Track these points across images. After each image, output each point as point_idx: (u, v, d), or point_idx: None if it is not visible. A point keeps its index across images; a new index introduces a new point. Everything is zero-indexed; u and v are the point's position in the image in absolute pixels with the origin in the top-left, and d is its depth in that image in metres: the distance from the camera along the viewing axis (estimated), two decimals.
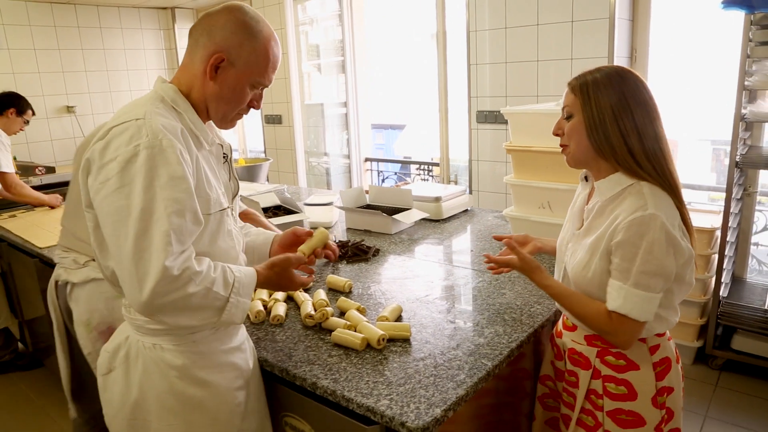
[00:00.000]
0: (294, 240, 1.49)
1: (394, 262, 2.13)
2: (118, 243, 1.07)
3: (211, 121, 1.30)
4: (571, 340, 1.43)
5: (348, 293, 1.83)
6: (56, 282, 2.02)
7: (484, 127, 3.64)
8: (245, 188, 3.12)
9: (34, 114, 3.60)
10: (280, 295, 1.77)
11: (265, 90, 1.32)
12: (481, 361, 1.35)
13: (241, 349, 1.35)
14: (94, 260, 1.96)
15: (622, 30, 3.06)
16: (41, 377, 3.31)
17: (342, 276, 1.95)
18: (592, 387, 1.37)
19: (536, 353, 1.64)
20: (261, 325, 1.63)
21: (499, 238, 1.62)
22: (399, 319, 1.61)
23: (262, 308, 1.67)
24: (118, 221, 1.07)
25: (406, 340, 1.47)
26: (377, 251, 2.24)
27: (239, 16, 1.21)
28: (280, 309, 1.66)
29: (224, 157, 1.35)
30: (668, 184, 1.26)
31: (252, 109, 1.31)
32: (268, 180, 5.33)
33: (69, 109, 5.20)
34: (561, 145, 1.35)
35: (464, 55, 3.61)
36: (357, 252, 2.21)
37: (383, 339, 1.44)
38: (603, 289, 1.28)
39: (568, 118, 1.31)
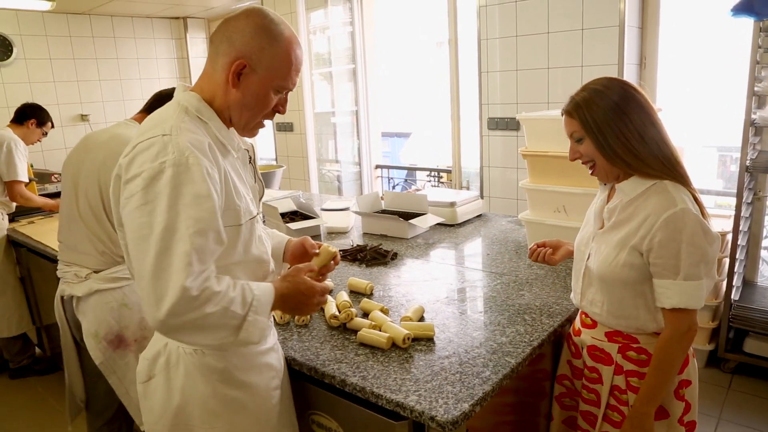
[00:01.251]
0: (304, 252, 1.49)
1: (412, 266, 2.17)
2: (138, 259, 1.06)
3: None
4: (591, 337, 1.47)
5: (370, 295, 1.87)
6: (62, 297, 2.06)
7: (495, 134, 3.68)
8: None
9: (53, 126, 3.63)
10: None
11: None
12: (504, 359, 1.39)
13: (275, 349, 1.39)
14: (95, 272, 2.00)
15: (631, 37, 3.11)
16: (59, 381, 3.35)
17: (362, 279, 2.00)
18: (615, 383, 1.41)
19: (556, 354, 1.68)
20: (286, 326, 1.67)
21: (539, 244, 1.67)
22: (422, 319, 1.65)
23: None
24: (140, 238, 1.05)
25: (430, 340, 1.51)
26: (395, 255, 2.28)
27: (258, 21, 1.18)
28: None
29: (249, 159, 1.36)
30: (684, 179, 1.32)
31: (277, 114, 1.29)
32: (278, 187, 5.39)
33: (83, 118, 5.28)
34: (584, 163, 1.39)
35: (475, 62, 3.66)
36: (376, 256, 2.25)
37: (408, 338, 1.48)
38: (628, 284, 1.34)
39: (579, 141, 1.36)
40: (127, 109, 5.49)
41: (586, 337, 1.49)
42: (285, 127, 5.21)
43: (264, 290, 1.20)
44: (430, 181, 5.15)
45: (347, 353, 1.47)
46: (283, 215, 2.77)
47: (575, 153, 1.39)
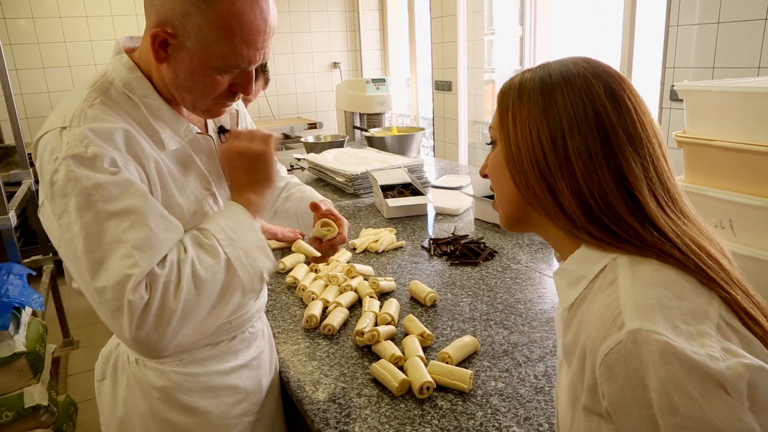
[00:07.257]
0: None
1: (508, 273, 1.71)
2: (81, 280, 0.83)
3: None
4: None
5: (430, 307, 1.50)
6: None
7: (680, 107, 2.89)
8: (380, 160, 2.88)
9: None
10: (345, 299, 1.50)
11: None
12: None
13: (251, 366, 1.13)
14: None
15: None
16: None
17: (438, 281, 1.63)
18: None
19: None
20: (311, 333, 1.39)
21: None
22: (470, 357, 1.24)
23: (316, 313, 1.42)
24: (69, 256, 0.84)
25: (461, 393, 1.11)
26: (493, 254, 1.84)
27: None
28: (336, 318, 1.39)
29: (222, 134, 1.07)
30: (656, 249, 0.64)
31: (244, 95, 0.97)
32: (433, 152, 5.08)
33: None
34: (492, 188, 0.81)
35: (663, 13, 2.88)
36: (466, 252, 1.84)
37: (428, 388, 1.09)
38: None
39: (492, 144, 0.79)
40: (297, 81, 5.64)
41: None
42: (443, 86, 4.80)
43: (226, 213, 0.94)
44: None
45: (350, 389, 1.14)
46: (391, 188, 2.46)
47: (484, 165, 0.81)
